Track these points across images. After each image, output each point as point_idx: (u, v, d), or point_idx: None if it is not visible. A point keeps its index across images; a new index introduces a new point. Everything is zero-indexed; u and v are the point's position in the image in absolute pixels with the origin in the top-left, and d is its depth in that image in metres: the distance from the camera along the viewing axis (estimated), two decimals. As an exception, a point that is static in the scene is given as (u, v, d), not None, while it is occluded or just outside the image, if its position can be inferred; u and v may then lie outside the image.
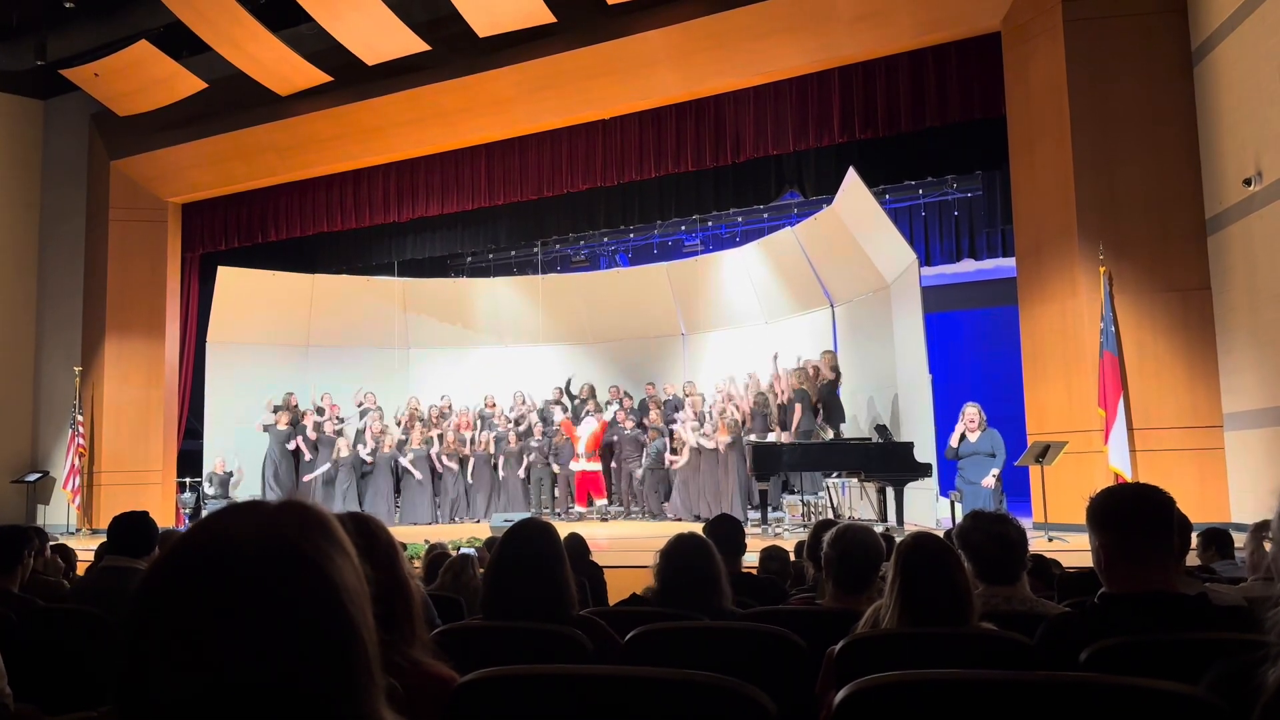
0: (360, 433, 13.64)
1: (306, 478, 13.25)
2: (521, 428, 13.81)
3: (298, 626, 0.76)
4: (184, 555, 0.79)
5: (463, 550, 5.45)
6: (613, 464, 13.47)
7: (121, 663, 0.76)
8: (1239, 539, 5.04)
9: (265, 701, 0.74)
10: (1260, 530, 3.70)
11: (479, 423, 14.07)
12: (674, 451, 12.35)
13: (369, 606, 0.82)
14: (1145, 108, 8.88)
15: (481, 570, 5.34)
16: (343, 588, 0.80)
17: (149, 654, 0.75)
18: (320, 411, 13.76)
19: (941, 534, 2.99)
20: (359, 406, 14.16)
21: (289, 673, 0.75)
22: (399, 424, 13.98)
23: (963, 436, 9.16)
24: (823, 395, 11.45)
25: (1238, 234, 8.22)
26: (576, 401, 14.15)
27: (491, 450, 13.49)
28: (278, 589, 0.77)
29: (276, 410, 13.55)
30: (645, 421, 13.12)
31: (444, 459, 13.37)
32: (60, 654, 3.06)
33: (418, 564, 5.12)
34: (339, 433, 13.45)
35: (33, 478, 13.84)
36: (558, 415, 13.73)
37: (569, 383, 14.46)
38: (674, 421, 12.78)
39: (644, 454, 12.81)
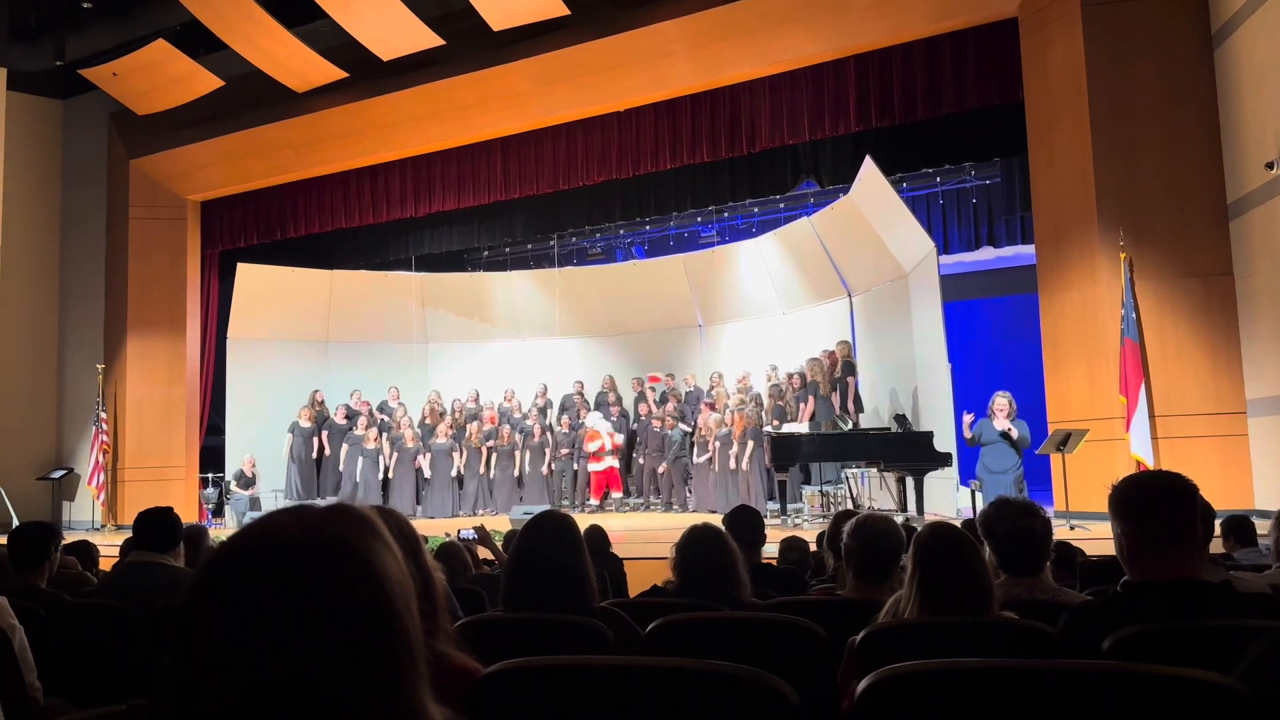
0: (385, 428, 13.72)
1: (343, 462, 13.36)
2: (546, 419, 13.89)
3: (344, 619, 0.78)
4: (234, 552, 0.81)
5: (463, 534, 5.48)
6: (635, 456, 13.49)
7: (173, 658, 0.78)
8: (1261, 526, 5.00)
9: (312, 693, 0.75)
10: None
11: (500, 415, 14.11)
12: (702, 447, 12.30)
13: (414, 601, 0.85)
14: (1165, 92, 8.79)
15: (483, 557, 5.38)
16: (388, 579, 0.82)
17: (201, 649, 0.77)
18: (350, 413, 13.84)
19: (961, 523, 2.98)
20: (382, 404, 14.22)
21: (334, 664, 0.76)
22: (423, 418, 14.04)
23: (982, 428, 9.13)
24: (838, 386, 11.43)
25: (1260, 218, 8.13)
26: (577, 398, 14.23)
27: (517, 443, 13.52)
28: (324, 581, 0.79)
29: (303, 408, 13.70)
30: (668, 414, 13.15)
31: (466, 453, 13.43)
32: (88, 649, 3.10)
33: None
34: (368, 426, 13.52)
35: (58, 475, 14.00)
36: (591, 416, 13.73)
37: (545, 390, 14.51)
38: (697, 414, 12.80)
39: (665, 446, 12.81)
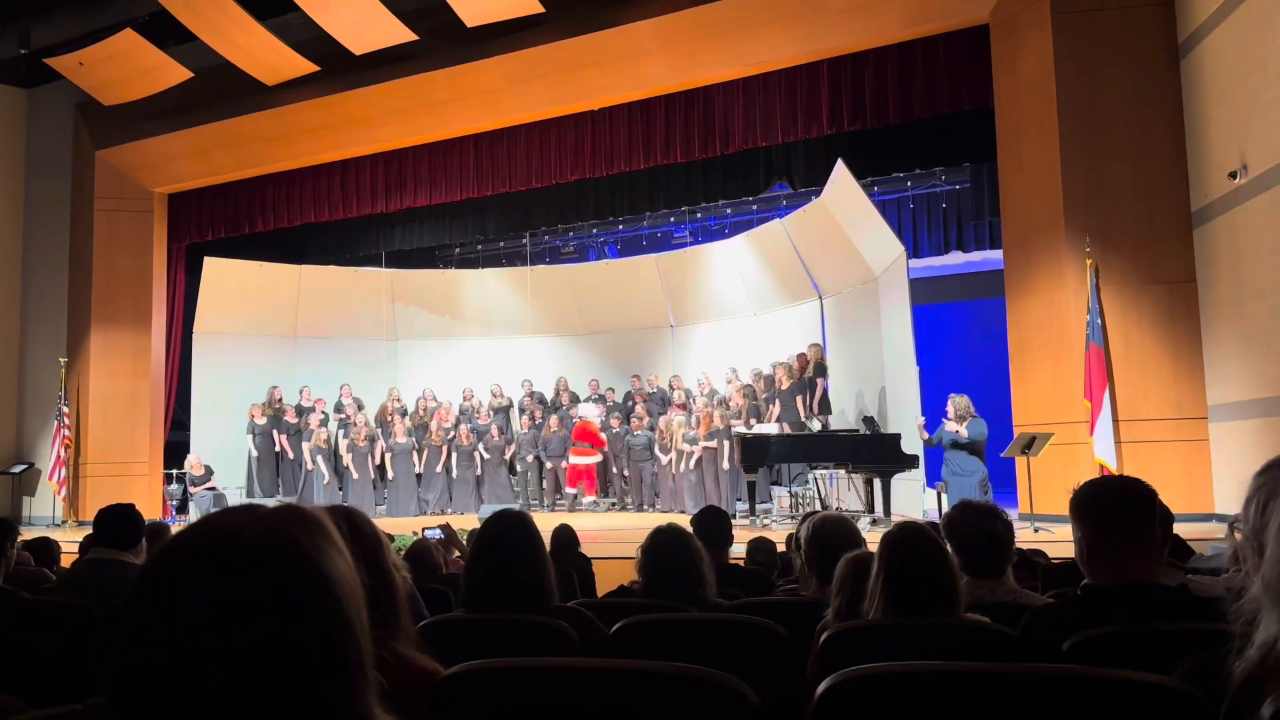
0: (342, 426, 13.61)
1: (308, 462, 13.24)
2: (504, 420, 13.86)
3: (295, 620, 0.77)
4: (183, 550, 0.80)
5: (427, 532, 5.46)
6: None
7: (117, 655, 0.77)
8: (1221, 530, 5.07)
9: (260, 694, 0.74)
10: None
11: (459, 415, 14.02)
12: (663, 449, 12.30)
13: (364, 605, 0.84)
14: (1132, 101, 8.91)
15: (455, 557, 5.35)
16: (339, 583, 0.81)
17: (146, 646, 0.75)
18: (300, 409, 13.74)
19: (925, 525, 2.98)
20: (339, 402, 14.12)
21: (284, 666, 0.75)
22: (386, 417, 13.93)
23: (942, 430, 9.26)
24: (808, 387, 11.48)
25: (1223, 227, 8.26)
26: (550, 397, 14.22)
27: (474, 442, 13.44)
28: (276, 582, 0.78)
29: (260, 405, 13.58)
30: (632, 416, 13.14)
31: (427, 451, 13.35)
32: (45, 646, 3.05)
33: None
34: (322, 424, 13.40)
35: (18, 469, 13.77)
36: (583, 406, 13.70)
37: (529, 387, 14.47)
38: (661, 414, 12.78)
39: (629, 447, 12.81)
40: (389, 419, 13.77)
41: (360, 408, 13.92)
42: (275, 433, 13.49)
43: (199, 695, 0.73)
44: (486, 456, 13.38)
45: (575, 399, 14.06)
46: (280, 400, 13.80)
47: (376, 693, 0.83)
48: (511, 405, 14.38)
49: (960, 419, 9.26)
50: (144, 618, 0.77)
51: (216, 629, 0.74)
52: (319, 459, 13.05)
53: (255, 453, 13.41)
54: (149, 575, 0.79)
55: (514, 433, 13.74)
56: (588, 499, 13.09)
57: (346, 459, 13.12)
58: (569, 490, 13.13)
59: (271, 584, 0.77)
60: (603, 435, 13.18)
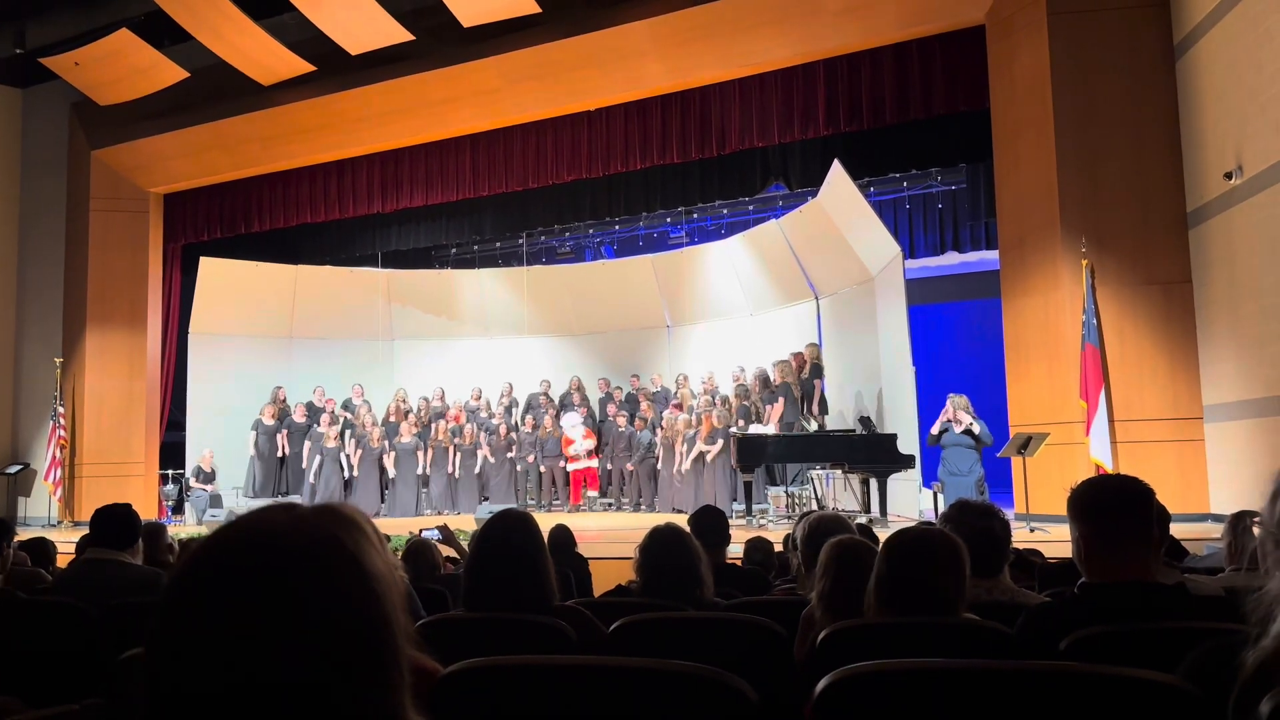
0: (349, 426, 13.59)
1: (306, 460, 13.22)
2: (512, 419, 13.84)
3: (336, 619, 0.77)
4: (226, 547, 0.79)
5: (425, 533, 5.46)
6: (602, 460, 13.46)
7: (153, 655, 0.76)
8: (1217, 529, 5.08)
9: (298, 694, 0.74)
10: (1239, 520, 3.73)
11: (467, 415, 14.02)
12: (668, 447, 12.26)
13: (401, 602, 0.83)
14: (1128, 101, 8.93)
15: (447, 555, 5.35)
16: (379, 578, 0.81)
17: (184, 646, 0.75)
18: (311, 407, 13.72)
19: (920, 524, 2.98)
20: (346, 402, 14.09)
21: (324, 665, 0.75)
22: (387, 416, 13.91)
23: (945, 429, 9.25)
24: (805, 387, 11.49)
25: (1218, 228, 8.28)
26: (557, 397, 14.20)
27: (480, 442, 13.43)
28: (318, 581, 0.77)
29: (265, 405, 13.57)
30: (637, 415, 13.14)
31: (433, 451, 13.34)
32: (42, 646, 3.05)
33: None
34: (332, 423, 13.38)
35: (13, 470, 13.75)
36: (566, 417, 13.69)
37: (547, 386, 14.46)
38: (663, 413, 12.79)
39: (632, 446, 12.80)
40: (397, 419, 13.73)
41: (369, 408, 13.89)
42: (280, 434, 13.46)
43: (239, 693, 0.73)
44: (492, 460, 13.38)
45: (586, 401, 14.05)
46: (284, 400, 13.79)
47: (410, 692, 0.83)
48: (516, 404, 14.36)
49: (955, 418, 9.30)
50: (183, 616, 0.76)
51: (259, 625, 0.74)
52: (324, 458, 13.02)
53: (253, 451, 13.38)
54: (188, 573, 0.79)
55: (517, 431, 13.73)
56: (592, 493, 13.11)
57: (355, 458, 13.09)
58: (563, 503, 13.15)
59: (315, 579, 0.77)
60: (573, 437, 13.17)
